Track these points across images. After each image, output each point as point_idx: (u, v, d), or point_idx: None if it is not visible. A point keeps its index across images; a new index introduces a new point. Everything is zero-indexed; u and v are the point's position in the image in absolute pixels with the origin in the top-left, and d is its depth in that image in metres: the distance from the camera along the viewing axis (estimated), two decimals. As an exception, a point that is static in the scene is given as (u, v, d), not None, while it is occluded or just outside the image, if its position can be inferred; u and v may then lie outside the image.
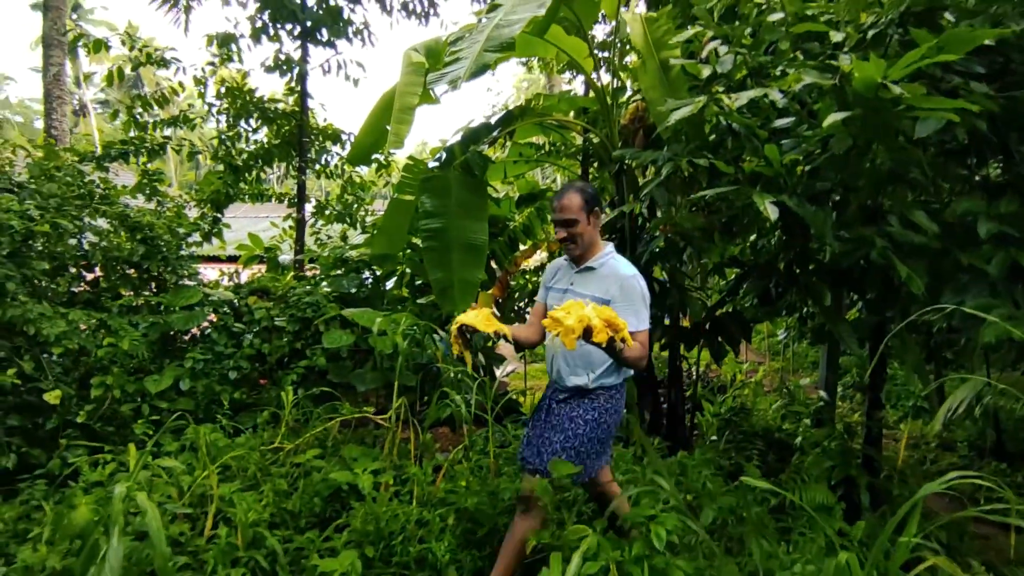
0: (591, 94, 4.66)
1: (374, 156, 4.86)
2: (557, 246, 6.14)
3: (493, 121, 4.46)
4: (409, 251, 4.62)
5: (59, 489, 2.63)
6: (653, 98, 3.51)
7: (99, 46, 4.34)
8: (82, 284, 3.70)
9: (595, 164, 5.02)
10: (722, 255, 3.96)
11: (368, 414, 3.14)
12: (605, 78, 4.26)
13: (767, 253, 3.67)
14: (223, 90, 4.51)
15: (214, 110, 4.65)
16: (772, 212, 2.36)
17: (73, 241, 3.57)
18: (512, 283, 5.54)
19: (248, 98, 4.57)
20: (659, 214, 3.93)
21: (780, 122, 2.76)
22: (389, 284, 4.90)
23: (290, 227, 4.89)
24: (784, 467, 3.27)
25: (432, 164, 4.24)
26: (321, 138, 4.90)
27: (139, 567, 2.05)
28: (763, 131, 2.72)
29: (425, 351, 3.65)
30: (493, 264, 5.08)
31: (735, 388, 5.30)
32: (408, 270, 4.79)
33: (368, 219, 5.22)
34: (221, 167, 4.41)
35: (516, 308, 5.44)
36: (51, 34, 8.17)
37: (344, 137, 5.02)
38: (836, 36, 2.64)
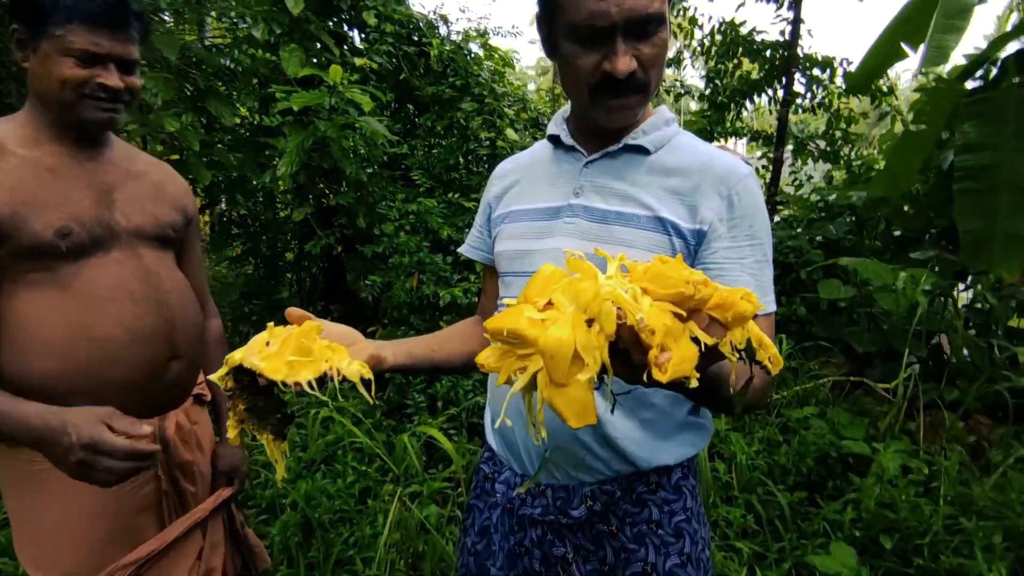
0: None
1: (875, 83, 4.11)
2: None
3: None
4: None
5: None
6: None
7: None
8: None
9: None
10: None
11: (869, 381, 2.72)
12: None
13: None
14: (717, 26, 4.42)
15: (689, 54, 4.65)
16: None
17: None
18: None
19: (736, 33, 4.38)
20: None
21: None
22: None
23: (764, 166, 4.62)
24: None
25: (972, 85, 3.31)
26: (808, 65, 4.39)
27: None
28: None
29: (941, 319, 2.96)
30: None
31: None
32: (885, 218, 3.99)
33: (854, 158, 4.53)
34: (705, 105, 4.39)
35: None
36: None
37: (836, 65, 4.39)
38: None
